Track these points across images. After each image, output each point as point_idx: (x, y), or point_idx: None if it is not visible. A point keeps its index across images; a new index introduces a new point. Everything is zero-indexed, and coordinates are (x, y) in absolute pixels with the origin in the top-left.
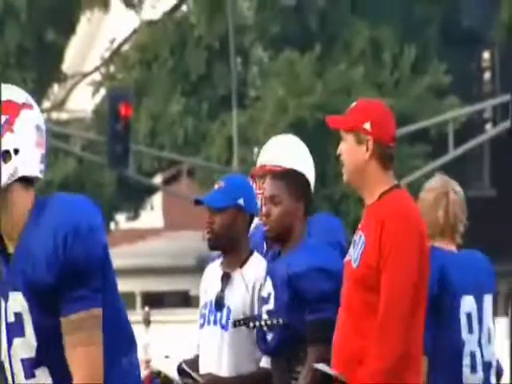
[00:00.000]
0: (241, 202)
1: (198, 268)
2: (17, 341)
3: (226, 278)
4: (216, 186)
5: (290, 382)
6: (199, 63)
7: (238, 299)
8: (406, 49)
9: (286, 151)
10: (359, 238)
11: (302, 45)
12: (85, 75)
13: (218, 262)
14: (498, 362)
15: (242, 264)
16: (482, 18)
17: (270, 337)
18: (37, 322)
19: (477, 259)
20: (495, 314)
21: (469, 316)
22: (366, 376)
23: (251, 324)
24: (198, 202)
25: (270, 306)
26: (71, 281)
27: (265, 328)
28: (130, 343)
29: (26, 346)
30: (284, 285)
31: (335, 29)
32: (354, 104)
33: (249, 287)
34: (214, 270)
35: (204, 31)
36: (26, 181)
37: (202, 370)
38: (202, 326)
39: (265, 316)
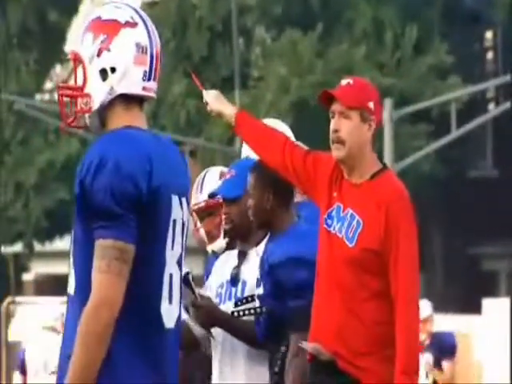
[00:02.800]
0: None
1: (200, 249)
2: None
3: (241, 256)
4: (227, 176)
5: (275, 371)
6: (201, 44)
7: (253, 274)
8: (408, 29)
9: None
10: (350, 215)
11: (304, 25)
12: None
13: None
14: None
15: (257, 244)
16: None
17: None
18: (74, 230)
19: None
20: (497, 293)
21: None
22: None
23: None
24: (212, 196)
25: (260, 290)
26: (95, 208)
27: (252, 314)
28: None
29: (71, 243)
30: (265, 273)
31: (337, 9)
32: (347, 82)
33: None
34: (228, 255)
35: (206, 12)
36: (129, 99)
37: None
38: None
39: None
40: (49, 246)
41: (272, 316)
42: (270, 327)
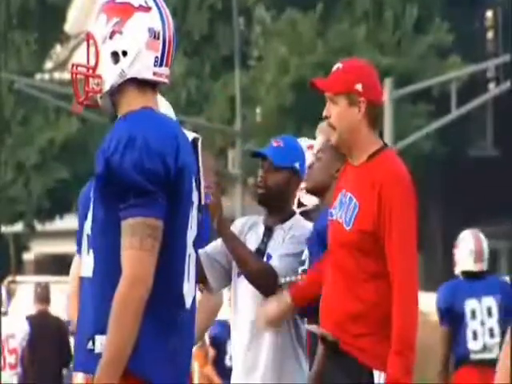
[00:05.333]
0: (297, 165)
1: None
2: (88, 218)
3: (268, 231)
4: (274, 144)
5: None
6: (202, 23)
7: (277, 249)
8: (409, 8)
9: None
10: (349, 199)
11: (304, 4)
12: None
13: (253, 217)
14: None
15: (283, 221)
16: None
17: None
18: (94, 210)
19: None
20: (498, 271)
21: None
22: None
23: (282, 279)
24: (256, 155)
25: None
26: (124, 186)
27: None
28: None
29: (88, 226)
30: (315, 243)
31: None
32: (337, 66)
33: (286, 238)
34: (252, 224)
35: None
36: (142, 83)
37: (240, 316)
38: (239, 274)
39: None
40: (49, 226)
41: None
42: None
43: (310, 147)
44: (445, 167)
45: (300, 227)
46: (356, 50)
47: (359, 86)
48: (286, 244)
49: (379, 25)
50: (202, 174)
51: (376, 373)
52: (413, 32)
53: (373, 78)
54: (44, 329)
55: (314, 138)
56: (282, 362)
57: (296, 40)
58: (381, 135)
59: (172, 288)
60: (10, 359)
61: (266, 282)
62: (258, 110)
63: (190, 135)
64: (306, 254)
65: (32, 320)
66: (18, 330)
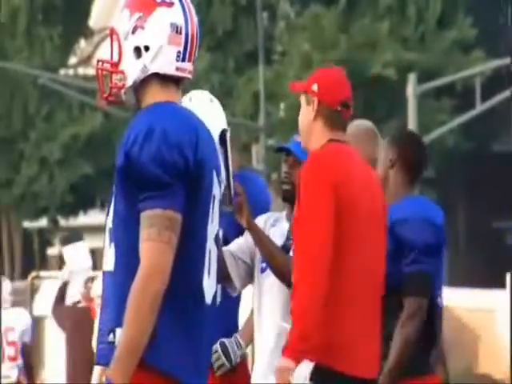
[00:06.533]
0: None
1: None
2: (110, 212)
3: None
4: (298, 139)
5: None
6: (226, 19)
7: None
8: (432, 3)
9: None
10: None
11: None
12: None
13: (275, 214)
14: None
15: None
16: None
17: None
18: (115, 204)
19: None
20: None
21: None
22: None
23: None
24: (280, 150)
25: None
26: (142, 178)
27: None
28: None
29: (109, 219)
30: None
31: None
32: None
33: None
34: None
35: None
36: (164, 78)
37: (264, 316)
38: (263, 270)
39: None
40: (73, 221)
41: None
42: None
43: None
44: (469, 162)
45: None
46: (379, 46)
47: (315, 87)
48: None
49: (402, 20)
50: (230, 165)
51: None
52: (436, 27)
53: (334, 81)
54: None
55: None
56: None
57: (319, 35)
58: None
59: (191, 282)
60: (10, 351)
61: (288, 272)
62: (281, 106)
63: (218, 128)
64: None
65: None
66: (17, 323)
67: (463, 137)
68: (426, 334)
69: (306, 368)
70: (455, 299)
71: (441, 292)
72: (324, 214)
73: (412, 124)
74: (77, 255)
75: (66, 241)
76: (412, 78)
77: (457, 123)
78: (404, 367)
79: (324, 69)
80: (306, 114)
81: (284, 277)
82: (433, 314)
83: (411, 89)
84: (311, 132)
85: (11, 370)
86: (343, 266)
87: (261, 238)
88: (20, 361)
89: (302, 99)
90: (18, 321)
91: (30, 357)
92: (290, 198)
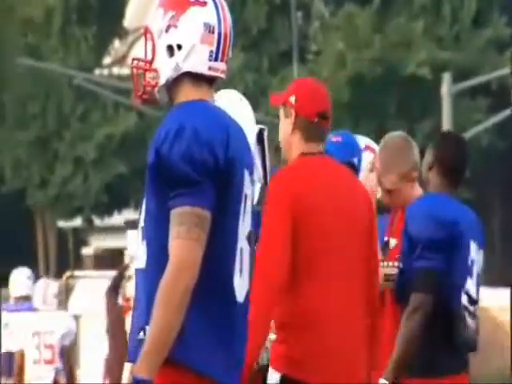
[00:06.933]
0: (355, 161)
1: None
2: (142, 209)
3: None
4: (333, 139)
5: None
6: (260, 18)
7: None
8: (467, 2)
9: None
10: None
11: None
12: None
13: None
14: None
15: None
16: None
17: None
18: (146, 202)
19: None
20: None
21: None
22: None
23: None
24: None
25: None
26: (172, 176)
27: (385, 270)
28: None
29: (141, 218)
30: (404, 231)
31: None
32: None
33: None
34: None
35: None
36: (197, 77)
37: None
38: None
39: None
40: (108, 221)
41: (402, 274)
42: (401, 285)
43: (368, 148)
44: (504, 161)
45: None
46: (414, 45)
47: (292, 99)
48: None
49: (437, 19)
50: (268, 164)
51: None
52: (471, 26)
53: (310, 93)
54: None
55: (370, 133)
56: None
57: (353, 34)
58: (439, 130)
59: (220, 280)
60: (46, 354)
61: None
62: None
63: (256, 127)
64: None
65: None
66: (57, 326)
67: (498, 136)
68: (442, 332)
69: (273, 378)
70: (490, 299)
71: (468, 289)
72: (279, 224)
73: (447, 123)
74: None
75: (130, 225)
76: (447, 77)
77: (492, 122)
78: (409, 362)
79: (301, 80)
80: (285, 126)
81: None
82: (449, 312)
83: (446, 88)
84: (290, 145)
85: (46, 373)
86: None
87: None
88: (58, 363)
89: (281, 112)
90: (58, 324)
91: (69, 359)
92: None
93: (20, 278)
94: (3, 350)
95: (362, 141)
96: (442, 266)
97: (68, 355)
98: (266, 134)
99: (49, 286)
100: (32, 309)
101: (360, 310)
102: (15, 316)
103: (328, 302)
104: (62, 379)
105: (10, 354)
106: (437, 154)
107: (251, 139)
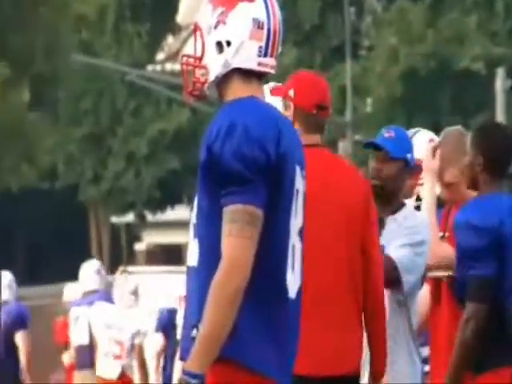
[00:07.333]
0: (409, 156)
1: None
2: (194, 207)
3: (380, 222)
4: (386, 135)
5: None
6: (312, 13)
7: (391, 238)
8: None
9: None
10: None
11: None
12: None
13: None
14: None
15: (394, 212)
16: None
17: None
18: (199, 199)
19: None
20: None
21: None
22: None
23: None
24: (370, 145)
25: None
26: (224, 174)
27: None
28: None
29: (194, 215)
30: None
31: None
32: None
33: (401, 229)
34: None
35: None
36: (246, 73)
37: None
38: None
39: None
40: (160, 216)
41: (456, 282)
42: (456, 293)
43: (431, 141)
44: None
45: (414, 218)
46: (467, 40)
47: (291, 92)
48: (402, 235)
49: (491, 14)
50: None
51: None
52: None
53: (309, 86)
54: None
55: (424, 128)
56: (395, 355)
57: (406, 29)
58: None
59: (273, 277)
60: (115, 349)
61: (385, 271)
62: (368, 101)
63: None
64: (424, 245)
65: None
66: (129, 324)
67: None
68: (496, 338)
69: None
70: None
71: None
72: None
73: (500, 119)
74: None
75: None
76: (500, 72)
77: None
78: (464, 371)
79: (300, 74)
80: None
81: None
82: (503, 319)
83: (500, 83)
84: None
85: (114, 368)
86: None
87: None
88: (126, 359)
89: (281, 105)
90: (129, 322)
91: (141, 356)
92: (379, 193)
93: (88, 273)
94: (75, 344)
95: (426, 134)
96: (493, 272)
97: (140, 353)
98: None
99: (126, 283)
100: (93, 303)
101: (348, 307)
102: (83, 310)
103: (306, 291)
104: (128, 376)
105: (83, 347)
106: (482, 148)
107: None
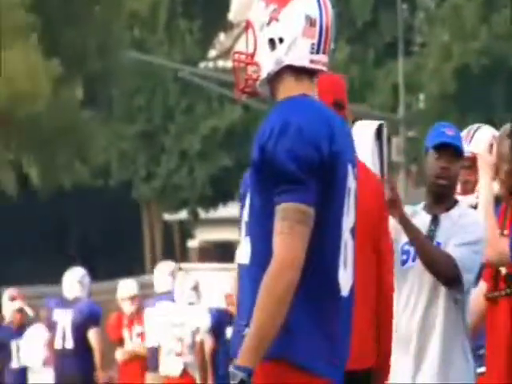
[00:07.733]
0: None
1: None
2: (246, 205)
3: (434, 219)
4: (449, 132)
5: None
6: (365, 10)
7: (447, 235)
8: None
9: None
10: None
11: None
12: None
13: (410, 207)
14: None
15: (448, 210)
16: None
17: None
18: (251, 197)
19: None
20: None
21: None
22: None
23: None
24: (443, 146)
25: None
26: (277, 173)
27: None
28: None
29: (245, 212)
30: None
31: None
32: None
33: (457, 227)
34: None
35: None
36: (298, 71)
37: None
38: (405, 262)
39: None
40: (213, 214)
41: None
42: None
43: (495, 137)
44: None
45: (469, 215)
46: None
47: None
48: (460, 233)
49: None
50: (385, 159)
51: None
52: None
53: (325, 83)
54: None
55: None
56: (450, 354)
57: (459, 26)
58: None
59: (325, 274)
60: (177, 347)
61: (446, 270)
62: (421, 97)
63: (374, 123)
64: (481, 243)
65: None
66: (187, 320)
67: None
68: None
69: None
70: None
71: None
72: None
73: None
74: None
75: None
76: None
77: None
78: None
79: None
80: None
81: (440, 272)
82: None
83: None
84: None
85: (176, 365)
86: None
87: (414, 232)
88: (189, 357)
89: None
90: (190, 318)
91: (202, 353)
92: (445, 193)
93: (161, 275)
94: (148, 346)
95: (489, 131)
96: None
97: (201, 350)
98: (385, 129)
99: (185, 280)
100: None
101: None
102: (154, 311)
103: None
104: (190, 373)
105: (155, 349)
106: None
107: (373, 134)
